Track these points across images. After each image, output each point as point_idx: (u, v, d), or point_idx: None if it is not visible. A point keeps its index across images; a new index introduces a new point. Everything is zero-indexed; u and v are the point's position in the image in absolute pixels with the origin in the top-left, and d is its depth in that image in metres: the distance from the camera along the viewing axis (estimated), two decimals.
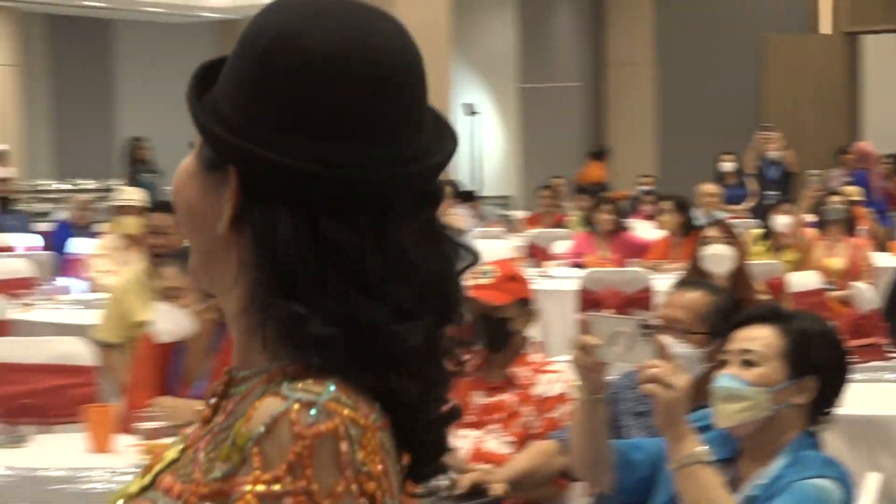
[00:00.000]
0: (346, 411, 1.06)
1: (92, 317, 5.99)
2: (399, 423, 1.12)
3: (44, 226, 11.64)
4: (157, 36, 22.10)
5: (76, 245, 9.27)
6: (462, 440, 3.80)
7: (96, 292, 7.19)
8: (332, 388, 1.08)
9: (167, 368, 4.19)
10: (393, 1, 13.86)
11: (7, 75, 18.75)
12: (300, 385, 1.06)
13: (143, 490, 1.18)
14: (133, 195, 8.52)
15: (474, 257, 1.22)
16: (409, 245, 1.14)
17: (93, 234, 9.75)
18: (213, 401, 1.20)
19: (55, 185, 18.19)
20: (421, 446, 1.16)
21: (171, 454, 1.19)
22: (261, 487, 1.01)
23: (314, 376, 1.08)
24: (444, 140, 1.21)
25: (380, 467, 1.08)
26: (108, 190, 14.35)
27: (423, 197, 1.19)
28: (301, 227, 1.11)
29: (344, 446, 1.05)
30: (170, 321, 4.09)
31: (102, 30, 22.25)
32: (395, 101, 1.16)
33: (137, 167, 14.95)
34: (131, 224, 7.32)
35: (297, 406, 1.03)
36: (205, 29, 21.61)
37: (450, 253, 1.20)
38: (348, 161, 1.12)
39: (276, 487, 1.01)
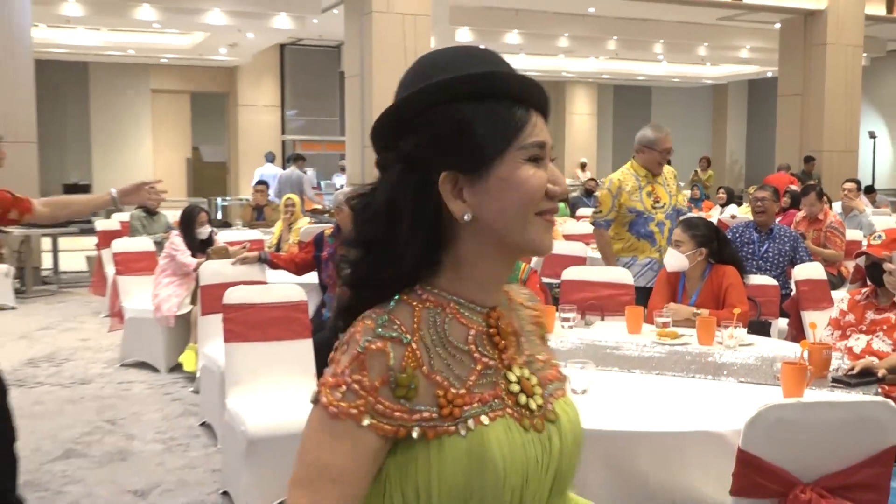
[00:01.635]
0: None
1: None
2: None
3: None
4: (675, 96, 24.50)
5: None
6: (857, 342, 3.75)
7: None
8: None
9: (676, 287, 4.33)
10: (822, 65, 13.84)
11: (589, 121, 22.86)
12: None
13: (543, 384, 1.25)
14: None
15: None
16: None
17: None
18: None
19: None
20: None
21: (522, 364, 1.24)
22: None
23: None
24: None
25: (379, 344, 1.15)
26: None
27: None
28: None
29: None
30: (675, 260, 4.23)
31: (645, 94, 24.16)
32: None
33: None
34: None
35: None
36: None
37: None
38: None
39: None
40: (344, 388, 1.11)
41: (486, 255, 1.20)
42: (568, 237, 7.81)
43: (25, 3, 10.05)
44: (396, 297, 1.18)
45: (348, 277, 1.22)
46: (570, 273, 4.75)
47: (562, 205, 11.29)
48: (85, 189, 12.32)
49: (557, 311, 4.01)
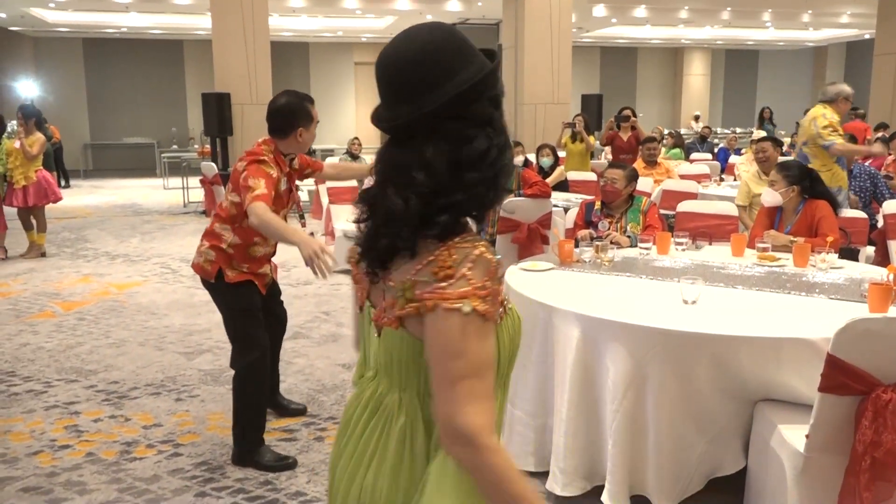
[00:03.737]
0: None
1: (731, 192, 6.11)
2: None
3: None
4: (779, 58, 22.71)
5: (731, 159, 9.55)
6: None
7: (737, 180, 7.25)
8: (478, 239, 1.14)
9: (773, 219, 4.06)
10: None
11: (703, 81, 21.81)
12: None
13: None
14: (761, 133, 8.67)
15: None
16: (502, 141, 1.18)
17: (738, 153, 10.08)
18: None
19: (720, 130, 18.63)
20: None
21: None
22: None
23: None
24: None
25: (493, 263, 1.13)
26: (749, 133, 14.54)
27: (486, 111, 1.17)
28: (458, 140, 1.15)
29: None
30: (770, 196, 3.98)
31: (753, 57, 22.71)
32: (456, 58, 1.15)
33: (764, 122, 14.64)
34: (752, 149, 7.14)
35: None
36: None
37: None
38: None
39: None
40: (491, 297, 1.09)
41: None
42: (683, 176, 7.46)
43: None
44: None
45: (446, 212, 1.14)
46: (684, 206, 4.58)
47: (677, 149, 10.71)
48: None
49: (672, 236, 3.85)
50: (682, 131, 16.06)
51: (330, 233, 7.33)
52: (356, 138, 9.84)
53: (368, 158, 8.85)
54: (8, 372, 4.28)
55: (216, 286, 3.05)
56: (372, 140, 19.55)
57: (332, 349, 4.64)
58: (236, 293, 3.05)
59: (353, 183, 7.46)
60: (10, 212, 7.74)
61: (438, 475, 1.15)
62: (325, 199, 7.90)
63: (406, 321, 1.14)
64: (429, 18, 16.23)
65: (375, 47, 20.24)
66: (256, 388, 3.05)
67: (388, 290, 1.17)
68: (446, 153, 1.12)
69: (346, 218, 6.99)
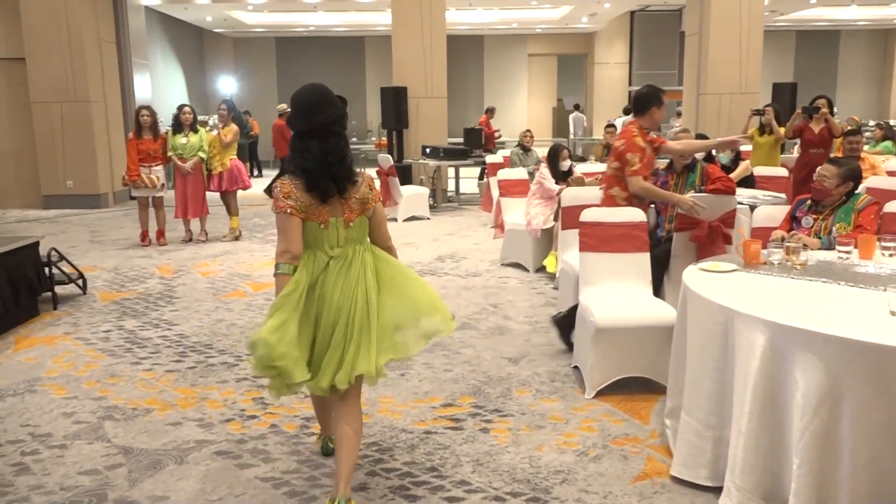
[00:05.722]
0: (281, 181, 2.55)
1: None
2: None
3: None
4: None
5: None
6: None
7: None
8: (286, 178, 2.55)
9: None
10: None
11: None
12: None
13: None
14: None
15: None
16: (315, 146, 2.52)
17: None
18: None
19: None
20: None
21: None
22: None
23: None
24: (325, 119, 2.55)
25: (287, 189, 2.52)
26: None
27: (315, 134, 2.53)
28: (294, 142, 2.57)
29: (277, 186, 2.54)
30: None
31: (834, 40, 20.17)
32: (303, 112, 2.54)
33: None
34: None
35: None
36: None
37: (316, 150, 2.52)
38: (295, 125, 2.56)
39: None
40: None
41: None
42: (891, 173, 6.74)
43: None
44: None
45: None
46: (893, 206, 4.10)
47: (888, 142, 9.69)
48: (478, 133, 12.91)
49: (878, 240, 3.47)
50: (893, 122, 14.48)
51: (499, 226, 7.39)
52: (528, 130, 9.83)
53: (541, 152, 8.80)
54: (206, 344, 4.73)
55: None
56: (544, 132, 19.49)
57: (499, 342, 4.68)
58: None
59: (525, 176, 7.48)
60: (212, 198, 8.53)
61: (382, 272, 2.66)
62: (495, 193, 7.98)
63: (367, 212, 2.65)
64: (606, 7, 15.84)
65: (549, 38, 20.12)
66: None
67: (353, 201, 2.60)
68: (319, 145, 2.51)
69: (515, 211, 7.02)
